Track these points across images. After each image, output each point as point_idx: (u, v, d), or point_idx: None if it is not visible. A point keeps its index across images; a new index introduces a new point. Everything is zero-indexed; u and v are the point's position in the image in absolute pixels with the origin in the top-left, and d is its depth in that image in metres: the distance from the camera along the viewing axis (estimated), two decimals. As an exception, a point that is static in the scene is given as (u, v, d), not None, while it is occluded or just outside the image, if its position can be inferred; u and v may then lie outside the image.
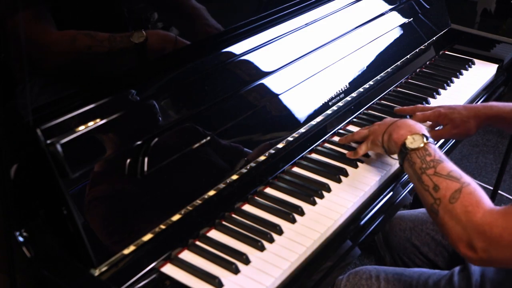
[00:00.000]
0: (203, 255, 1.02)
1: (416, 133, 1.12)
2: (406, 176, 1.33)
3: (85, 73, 1.00)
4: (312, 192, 1.18)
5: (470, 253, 0.96)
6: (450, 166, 1.05)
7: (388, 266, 1.39)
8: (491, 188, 2.62)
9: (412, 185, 1.32)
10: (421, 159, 1.08)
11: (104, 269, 0.94)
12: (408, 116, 1.42)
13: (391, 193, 1.26)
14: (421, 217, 1.46)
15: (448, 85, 1.70)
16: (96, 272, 0.93)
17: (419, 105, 1.47)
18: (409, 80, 1.72)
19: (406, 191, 1.30)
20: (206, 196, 1.10)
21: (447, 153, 1.48)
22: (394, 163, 1.31)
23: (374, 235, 1.45)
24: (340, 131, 1.42)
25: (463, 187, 1.00)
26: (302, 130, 1.31)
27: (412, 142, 1.11)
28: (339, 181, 1.23)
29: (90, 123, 0.96)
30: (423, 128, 1.15)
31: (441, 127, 1.38)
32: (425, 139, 1.10)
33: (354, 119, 1.48)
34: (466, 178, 1.02)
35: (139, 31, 1.01)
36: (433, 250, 1.41)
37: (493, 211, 0.95)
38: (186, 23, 1.17)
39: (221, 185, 1.13)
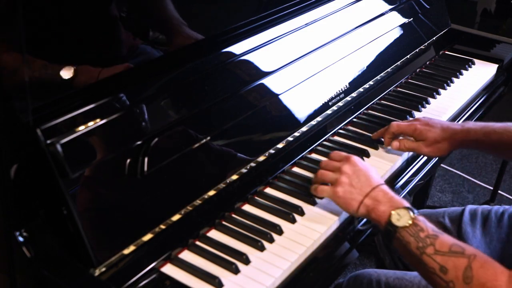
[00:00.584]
0: (203, 255, 1.02)
1: (399, 207, 1.03)
2: (406, 176, 1.33)
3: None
4: (312, 192, 1.18)
5: None
6: (447, 239, 0.97)
7: (388, 269, 1.39)
8: (491, 188, 2.62)
9: (411, 185, 1.32)
10: (414, 237, 0.98)
11: (104, 269, 0.94)
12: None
13: (395, 189, 1.26)
14: None
15: (448, 85, 1.70)
16: (96, 272, 0.93)
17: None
18: (409, 80, 1.72)
19: (406, 191, 1.30)
20: (206, 196, 1.10)
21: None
22: (394, 163, 1.31)
23: (374, 236, 1.45)
24: (340, 131, 1.42)
25: (471, 262, 0.92)
26: (302, 130, 1.31)
27: (399, 219, 1.01)
28: (339, 181, 1.23)
29: (90, 123, 0.96)
30: (403, 200, 1.05)
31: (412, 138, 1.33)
32: (411, 212, 1.01)
33: (354, 119, 1.48)
34: (469, 250, 0.95)
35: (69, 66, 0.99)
36: None
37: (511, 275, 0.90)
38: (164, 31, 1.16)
39: (221, 185, 1.13)
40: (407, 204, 1.03)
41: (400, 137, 1.33)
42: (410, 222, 1.00)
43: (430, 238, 0.97)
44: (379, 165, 1.30)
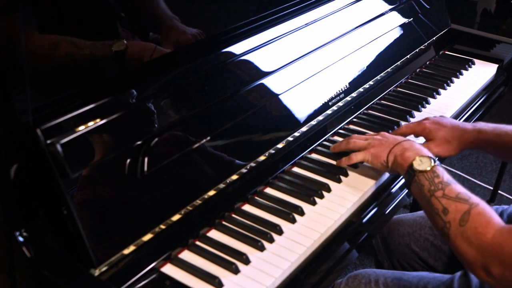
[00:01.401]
0: (203, 255, 1.02)
1: (423, 156, 1.11)
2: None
3: (71, 77, 0.99)
4: (312, 192, 1.18)
5: (488, 278, 0.94)
6: (458, 188, 1.04)
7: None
8: (491, 188, 2.62)
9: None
10: (429, 181, 1.07)
11: (104, 269, 0.94)
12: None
13: (392, 193, 1.26)
14: (420, 222, 1.45)
15: (448, 85, 1.70)
16: (96, 272, 0.93)
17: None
18: (409, 80, 1.72)
19: (405, 192, 1.30)
20: (206, 196, 1.10)
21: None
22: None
23: (374, 237, 1.45)
24: (340, 131, 1.42)
25: (471, 208, 0.98)
26: (302, 130, 1.31)
27: (420, 164, 1.10)
28: (339, 181, 1.23)
29: (90, 123, 0.96)
30: (429, 152, 1.14)
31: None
32: (432, 161, 1.09)
33: (354, 119, 1.48)
34: (475, 199, 1.01)
35: (120, 40, 1.01)
36: (432, 255, 1.41)
37: (503, 230, 0.94)
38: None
39: (221, 185, 1.13)
40: (431, 155, 1.12)
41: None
42: (429, 168, 1.08)
43: (442, 184, 1.05)
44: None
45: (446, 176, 1.07)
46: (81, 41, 0.97)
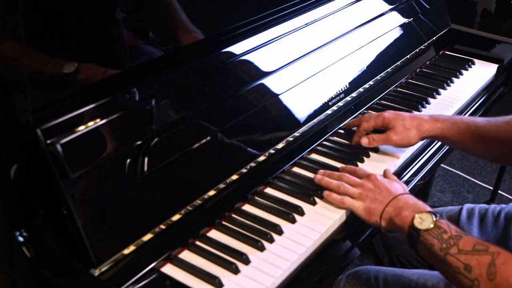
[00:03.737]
0: (203, 255, 1.02)
1: (421, 211, 1.05)
2: (407, 176, 1.33)
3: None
4: (312, 192, 1.18)
5: None
6: (471, 238, 0.98)
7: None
8: (491, 188, 2.62)
9: (411, 185, 1.32)
10: (438, 239, 1.00)
11: (104, 269, 0.94)
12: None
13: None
14: None
15: (448, 85, 1.70)
16: (96, 272, 0.93)
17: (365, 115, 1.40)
18: (409, 80, 1.72)
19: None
20: (206, 196, 1.10)
21: (446, 153, 1.48)
22: (396, 162, 1.31)
23: (375, 235, 1.45)
24: (340, 131, 1.42)
25: (495, 259, 0.93)
26: (302, 130, 1.31)
27: (422, 222, 1.03)
28: (339, 181, 1.24)
29: (90, 123, 0.96)
30: (425, 205, 1.08)
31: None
32: (433, 216, 1.03)
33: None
34: (492, 247, 0.96)
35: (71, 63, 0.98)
36: None
37: None
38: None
39: (221, 185, 1.13)
40: (429, 208, 1.05)
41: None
42: (433, 225, 1.01)
43: (454, 239, 0.98)
44: (379, 165, 1.30)
45: (452, 228, 1.01)
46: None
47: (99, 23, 1.04)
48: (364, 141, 1.32)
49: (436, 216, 1.03)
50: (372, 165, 1.30)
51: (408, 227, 1.04)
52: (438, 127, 1.29)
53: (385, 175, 1.21)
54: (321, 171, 1.22)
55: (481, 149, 1.29)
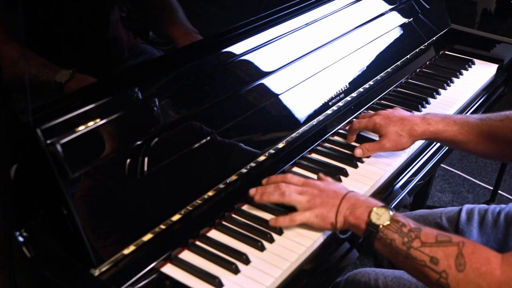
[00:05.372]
0: (203, 255, 1.02)
1: (376, 207, 1.00)
2: (407, 176, 1.33)
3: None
4: (312, 192, 1.18)
5: None
6: (431, 230, 0.96)
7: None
8: (491, 188, 2.62)
9: (411, 185, 1.32)
10: (398, 233, 0.96)
11: (104, 269, 0.94)
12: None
13: (393, 192, 1.26)
14: (418, 220, 1.44)
15: (448, 85, 1.70)
16: (96, 272, 0.93)
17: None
18: (409, 80, 1.72)
19: (406, 191, 1.30)
20: (206, 196, 1.10)
21: (446, 153, 1.48)
22: (396, 162, 1.32)
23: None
24: (340, 131, 1.42)
25: (462, 249, 0.91)
26: (302, 130, 1.31)
27: (379, 218, 0.99)
28: (339, 181, 1.23)
29: (90, 123, 0.96)
30: (377, 200, 1.04)
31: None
32: (390, 211, 0.99)
33: (354, 119, 1.48)
34: (455, 237, 0.94)
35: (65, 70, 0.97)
36: None
37: (508, 260, 0.88)
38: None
39: (221, 185, 1.13)
40: (382, 203, 1.02)
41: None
42: (390, 219, 0.98)
43: (414, 231, 0.96)
44: (378, 165, 1.30)
45: (410, 221, 0.98)
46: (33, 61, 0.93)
47: (99, 23, 1.04)
48: (358, 152, 1.30)
49: (392, 211, 0.99)
50: (373, 165, 1.30)
51: (365, 224, 1.00)
52: (431, 131, 1.29)
53: (320, 178, 1.16)
54: (253, 189, 1.12)
55: (475, 147, 1.29)
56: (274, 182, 1.12)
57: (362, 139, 1.37)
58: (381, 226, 0.98)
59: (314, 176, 1.24)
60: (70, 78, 0.97)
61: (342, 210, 1.04)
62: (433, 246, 0.93)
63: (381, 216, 0.99)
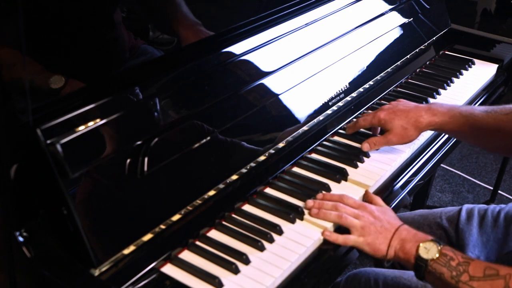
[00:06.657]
0: (203, 255, 1.02)
1: (424, 241, 1.03)
2: (407, 176, 1.33)
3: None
4: (312, 192, 1.18)
5: None
6: (480, 263, 0.98)
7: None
8: (491, 188, 2.62)
9: (411, 185, 1.32)
10: (446, 267, 0.99)
11: (104, 269, 0.94)
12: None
13: (393, 191, 1.26)
14: (418, 220, 1.45)
15: (448, 85, 1.70)
16: (96, 272, 0.93)
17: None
18: (409, 80, 1.72)
19: (406, 191, 1.30)
20: (206, 196, 1.10)
21: (446, 153, 1.48)
22: (396, 162, 1.31)
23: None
24: (340, 131, 1.42)
25: (509, 282, 0.93)
26: (302, 129, 1.31)
27: (427, 252, 1.02)
28: (338, 181, 1.24)
29: (90, 123, 0.96)
30: (425, 234, 1.07)
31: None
32: (437, 244, 1.02)
33: (354, 119, 1.48)
34: (503, 270, 0.95)
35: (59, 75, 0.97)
36: None
37: None
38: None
39: (221, 185, 1.13)
40: (430, 237, 1.05)
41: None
42: (439, 253, 1.01)
43: (462, 265, 0.98)
44: (378, 165, 1.30)
45: (458, 254, 1.00)
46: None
47: (99, 23, 1.04)
48: (365, 146, 1.32)
49: (440, 244, 1.02)
50: (373, 165, 1.30)
51: (414, 259, 1.03)
52: (436, 122, 1.29)
53: (369, 198, 1.18)
54: (310, 201, 1.14)
55: (479, 140, 1.30)
56: (330, 200, 1.14)
57: (360, 135, 1.38)
58: (429, 260, 1.01)
59: (314, 176, 1.24)
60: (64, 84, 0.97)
61: (393, 244, 1.06)
62: (481, 280, 0.95)
63: (429, 250, 1.02)
